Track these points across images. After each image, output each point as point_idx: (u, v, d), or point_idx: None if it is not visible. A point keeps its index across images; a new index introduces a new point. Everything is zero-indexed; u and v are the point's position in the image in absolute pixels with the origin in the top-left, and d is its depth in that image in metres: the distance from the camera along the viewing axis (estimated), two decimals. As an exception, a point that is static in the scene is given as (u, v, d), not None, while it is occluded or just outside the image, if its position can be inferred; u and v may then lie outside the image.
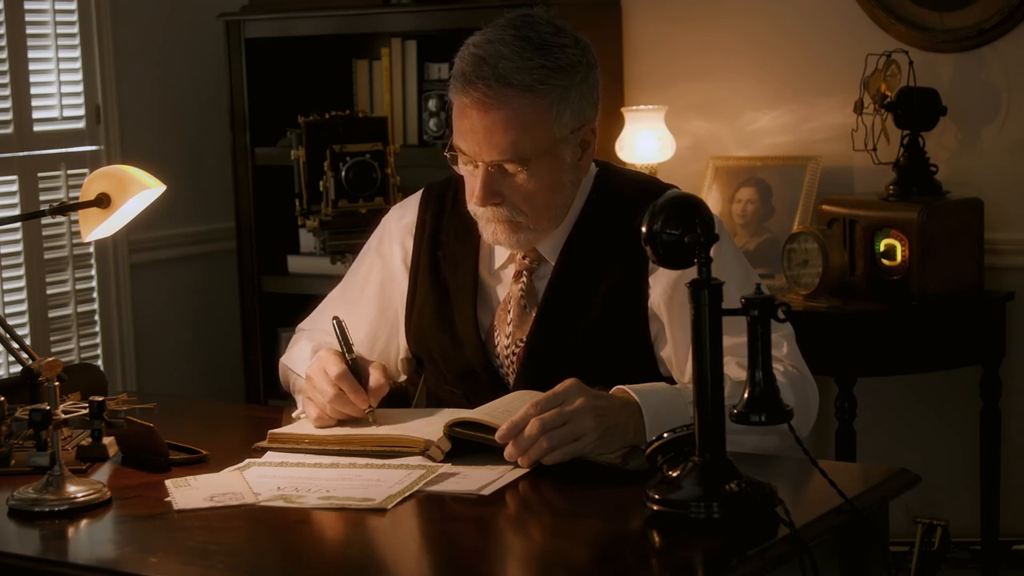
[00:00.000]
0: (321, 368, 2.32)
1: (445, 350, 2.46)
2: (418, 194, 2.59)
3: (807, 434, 2.22)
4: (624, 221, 2.33)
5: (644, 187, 2.46)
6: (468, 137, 2.32)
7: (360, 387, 2.30)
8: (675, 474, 1.87)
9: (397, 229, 2.57)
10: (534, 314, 2.41)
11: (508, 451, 2.10)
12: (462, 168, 2.38)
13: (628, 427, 2.13)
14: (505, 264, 2.47)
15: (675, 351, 2.36)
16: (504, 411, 2.16)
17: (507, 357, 2.43)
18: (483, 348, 2.43)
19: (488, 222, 2.37)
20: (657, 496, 1.86)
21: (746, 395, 1.84)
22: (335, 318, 2.37)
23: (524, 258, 2.44)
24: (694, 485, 1.84)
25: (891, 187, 3.74)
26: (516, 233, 2.36)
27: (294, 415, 2.46)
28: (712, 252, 1.89)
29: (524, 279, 2.43)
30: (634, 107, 4.11)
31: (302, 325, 2.67)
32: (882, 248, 3.67)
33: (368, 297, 2.58)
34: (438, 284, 2.49)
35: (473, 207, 2.38)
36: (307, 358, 2.48)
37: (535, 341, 2.39)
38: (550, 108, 2.30)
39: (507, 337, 2.42)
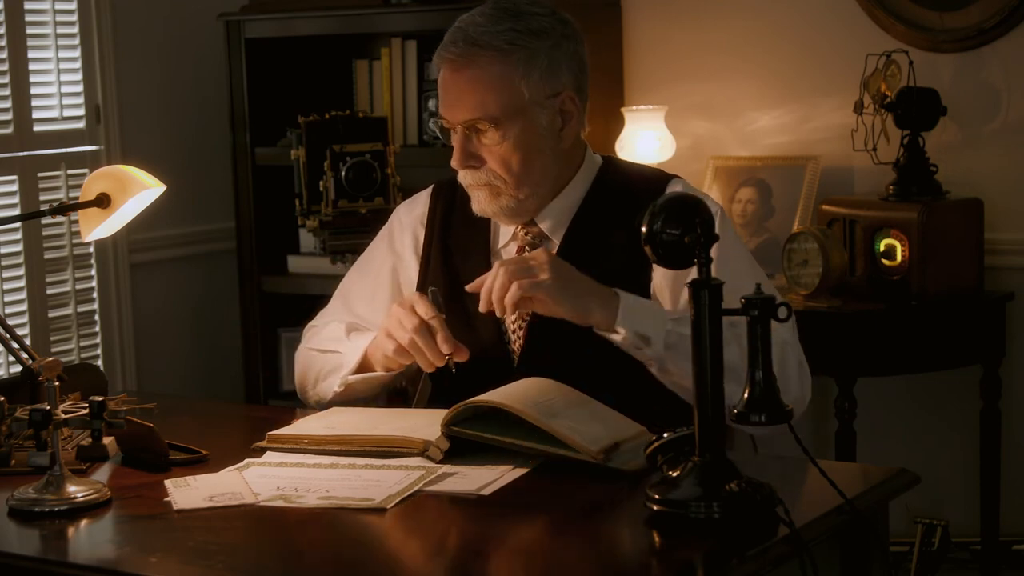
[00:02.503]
0: (409, 304, 2.37)
1: (456, 332, 2.47)
2: (428, 189, 2.65)
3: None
4: (629, 206, 2.40)
5: (649, 174, 2.56)
6: (443, 101, 2.44)
7: (448, 332, 2.34)
8: (675, 474, 1.87)
9: (408, 220, 2.63)
10: None
11: (481, 306, 2.25)
12: (453, 140, 2.46)
13: (592, 293, 2.26)
14: (507, 243, 2.52)
15: None
16: (504, 395, 2.16)
17: (513, 332, 2.46)
18: (495, 324, 2.45)
19: (471, 189, 2.46)
20: (657, 496, 1.87)
21: (746, 395, 1.84)
22: (432, 288, 2.43)
23: (527, 234, 2.49)
24: (694, 485, 1.84)
25: (891, 187, 3.74)
26: (497, 198, 2.43)
27: (337, 387, 2.49)
28: (716, 248, 1.91)
29: (527, 252, 2.46)
30: (634, 107, 4.11)
31: (313, 322, 2.69)
32: (882, 248, 3.67)
33: (385, 289, 2.63)
34: (448, 270, 2.53)
35: (460, 176, 2.46)
36: (343, 337, 2.54)
37: (540, 316, 2.39)
38: (516, 67, 2.38)
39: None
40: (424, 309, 2.35)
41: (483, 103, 2.38)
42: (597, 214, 2.47)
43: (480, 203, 2.45)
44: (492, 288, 2.27)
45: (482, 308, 2.30)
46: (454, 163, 2.44)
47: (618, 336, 2.27)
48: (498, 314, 2.28)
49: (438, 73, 2.45)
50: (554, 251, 2.46)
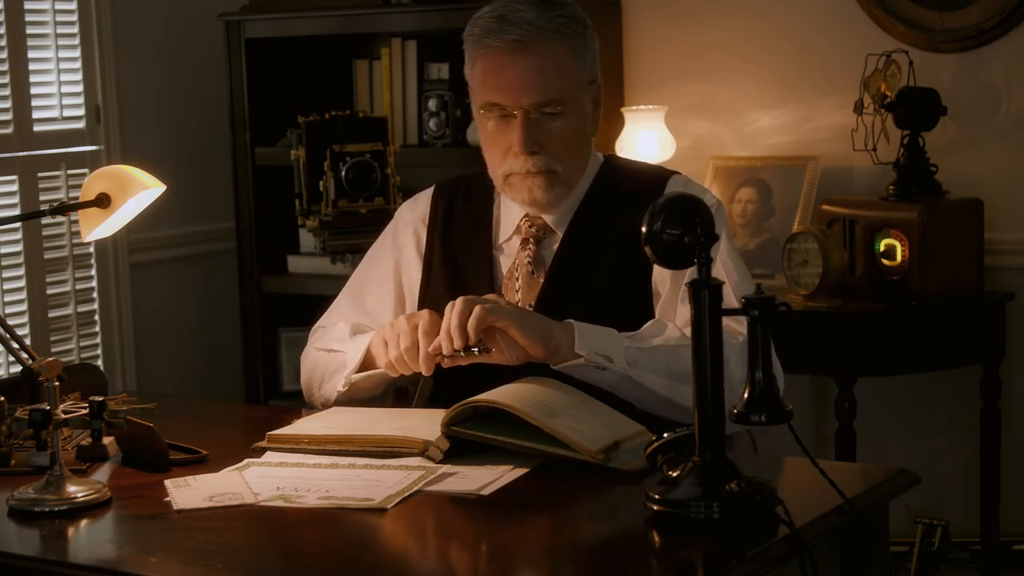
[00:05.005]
0: (410, 315, 2.36)
1: None
2: (430, 189, 2.65)
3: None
4: (631, 200, 2.43)
5: (650, 170, 2.60)
6: (503, 87, 2.38)
7: (428, 354, 2.31)
8: (675, 474, 1.87)
9: (411, 219, 2.63)
10: (542, 280, 2.45)
11: (445, 362, 2.24)
12: (491, 128, 2.42)
13: (549, 322, 2.27)
14: (510, 237, 2.52)
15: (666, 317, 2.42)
16: (504, 394, 2.16)
17: None
18: None
19: (526, 177, 2.42)
20: (657, 496, 1.87)
21: (746, 395, 1.84)
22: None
23: (531, 226, 2.49)
24: (694, 485, 1.84)
25: (891, 187, 3.74)
26: (552, 187, 2.43)
27: (342, 386, 2.47)
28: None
29: (531, 247, 2.48)
30: (634, 107, 4.11)
31: (320, 323, 2.68)
32: (882, 248, 3.67)
33: (389, 284, 2.63)
34: (451, 266, 2.54)
35: (508, 165, 2.42)
36: (346, 337, 2.53)
37: (544, 306, 2.41)
38: (575, 51, 2.40)
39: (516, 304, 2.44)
40: (425, 315, 2.32)
41: (549, 86, 2.37)
42: (600, 208, 2.49)
43: (532, 192, 2.43)
44: (450, 323, 2.24)
45: (445, 364, 2.27)
46: (518, 148, 2.39)
47: (580, 360, 2.27)
48: (458, 344, 2.22)
49: (473, 64, 2.42)
50: (556, 244, 2.47)
